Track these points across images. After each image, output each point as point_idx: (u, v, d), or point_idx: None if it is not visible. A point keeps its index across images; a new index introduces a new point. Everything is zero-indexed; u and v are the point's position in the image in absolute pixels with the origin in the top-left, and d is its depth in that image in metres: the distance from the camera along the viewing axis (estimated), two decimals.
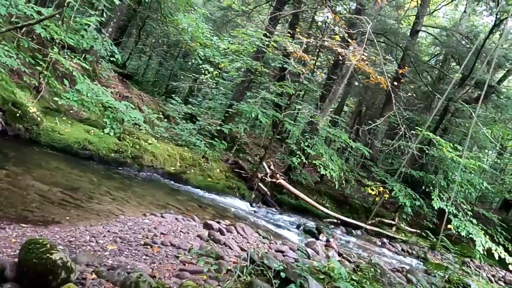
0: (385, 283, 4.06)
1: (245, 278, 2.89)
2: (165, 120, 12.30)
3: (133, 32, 21.39)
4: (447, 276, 4.72)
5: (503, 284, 10.93)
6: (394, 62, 19.68)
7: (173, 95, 15.18)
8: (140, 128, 9.90)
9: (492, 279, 11.34)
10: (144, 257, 3.92)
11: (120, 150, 8.59)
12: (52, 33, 7.57)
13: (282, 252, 5.91)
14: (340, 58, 11.49)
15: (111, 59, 10.78)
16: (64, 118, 8.39)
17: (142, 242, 4.35)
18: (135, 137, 9.24)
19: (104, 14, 11.95)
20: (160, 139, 10.51)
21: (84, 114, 9.35)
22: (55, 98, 8.06)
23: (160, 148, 9.63)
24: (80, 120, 8.91)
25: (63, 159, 7.30)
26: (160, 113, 13.03)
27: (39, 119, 7.47)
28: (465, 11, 18.69)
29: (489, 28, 15.87)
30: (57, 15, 7.78)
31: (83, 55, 9.47)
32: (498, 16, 14.14)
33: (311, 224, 10.38)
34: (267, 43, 11.29)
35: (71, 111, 9.18)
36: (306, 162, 12.23)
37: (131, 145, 8.87)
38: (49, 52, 7.85)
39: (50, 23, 7.66)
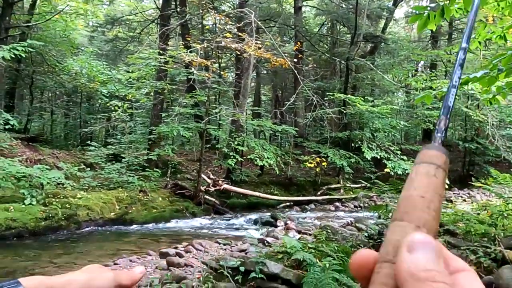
0: (339, 239, 4.33)
1: (206, 286, 2.92)
2: (89, 169, 11.68)
3: (24, 92, 19.91)
4: (391, 212, 5.14)
5: (445, 202, 12.08)
6: (291, 41, 20.62)
7: (90, 142, 14.47)
8: (64, 186, 9.32)
9: None
10: None
11: (50, 215, 8.03)
12: None
13: (244, 250, 5.99)
14: (239, 53, 11.79)
15: (7, 127, 9.99)
16: None
17: None
18: (62, 197, 8.69)
19: None
20: (90, 190, 9.98)
21: None
22: None
23: (93, 198, 9.16)
24: None
25: None
26: (82, 164, 12.33)
27: None
28: None
29: None
30: None
31: None
32: None
33: (266, 215, 10.57)
34: (164, 60, 11.22)
35: None
36: (242, 160, 12.40)
37: (60, 207, 8.33)
38: None
39: None
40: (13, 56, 8.95)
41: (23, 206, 7.88)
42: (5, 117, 9.45)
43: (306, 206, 11.88)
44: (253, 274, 3.08)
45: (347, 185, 14.16)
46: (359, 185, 14.29)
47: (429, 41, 21.95)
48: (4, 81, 12.98)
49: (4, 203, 7.91)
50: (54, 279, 0.49)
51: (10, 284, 0.46)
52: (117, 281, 0.51)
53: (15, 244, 7.00)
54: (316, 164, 12.89)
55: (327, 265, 3.42)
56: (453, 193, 14.18)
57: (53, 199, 8.47)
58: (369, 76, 16.84)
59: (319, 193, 13.08)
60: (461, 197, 13.43)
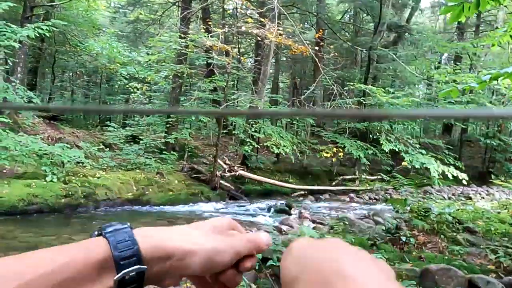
0: (356, 231, 4.30)
1: None
2: (107, 149, 11.88)
3: (46, 71, 20.26)
4: (409, 207, 5.09)
5: (463, 199, 11.90)
6: (312, 29, 20.30)
7: (109, 122, 14.69)
8: (84, 165, 9.51)
9: (453, 197, 12.31)
10: None
11: (70, 193, 8.22)
12: None
13: None
14: (260, 39, 11.68)
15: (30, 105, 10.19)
16: None
17: None
18: (81, 176, 8.88)
19: (8, 62, 11.24)
20: (108, 170, 10.16)
21: (20, 169, 8.79)
22: None
23: (111, 178, 9.33)
24: (17, 176, 8.38)
25: (12, 222, 6.88)
26: (101, 144, 12.54)
27: None
28: None
29: None
30: None
31: None
32: None
33: (281, 203, 10.60)
34: (184, 44, 11.20)
35: (4, 171, 8.59)
36: (258, 146, 12.40)
37: (79, 185, 8.51)
38: None
39: None
40: (37, 35, 9.06)
41: (45, 182, 8.09)
42: (28, 95, 9.63)
43: (321, 196, 11.86)
44: (270, 262, 3.10)
45: (363, 176, 14.05)
46: (375, 177, 14.18)
47: (455, 33, 21.30)
48: (27, 60, 13.18)
49: (27, 179, 8.13)
50: (176, 242, 0.41)
51: (122, 229, 0.41)
52: (241, 255, 0.44)
53: (36, 219, 7.21)
54: (332, 154, 12.80)
55: None
56: (471, 190, 13.93)
57: (73, 177, 8.66)
58: (391, 67, 16.51)
59: (334, 183, 13.03)
60: (480, 194, 13.19)
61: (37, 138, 8.81)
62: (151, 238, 0.41)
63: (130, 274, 0.38)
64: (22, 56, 11.64)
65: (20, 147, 7.74)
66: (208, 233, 0.44)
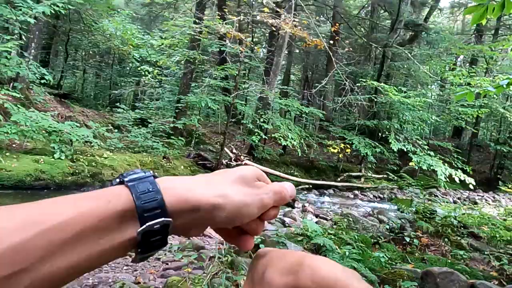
0: (360, 229, 4.29)
1: (226, 259, 2.96)
2: (116, 130, 11.94)
3: (59, 49, 20.32)
4: (414, 208, 5.05)
5: (469, 203, 11.80)
6: (327, 22, 20.07)
7: (118, 104, 14.74)
8: (92, 144, 9.57)
9: (458, 201, 12.22)
10: (125, 268, 3.89)
11: (77, 171, 8.29)
12: None
13: None
14: (274, 29, 11.57)
15: (42, 81, 10.25)
16: (7, 154, 7.94)
17: None
18: (89, 155, 8.95)
19: (23, 37, 11.25)
20: (115, 151, 10.24)
21: (29, 144, 8.88)
22: None
23: (118, 159, 9.39)
24: (26, 151, 8.47)
25: (18, 196, 6.97)
26: (109, 125, 12.60)
27: None
28: None
29: None
30: None
31: (11, 84, 8.92)
32: None
33: None
34: (198, 30, 11.14)
35: (14, 145, 8.69)
36: (266, 137, 12.38)
37: (86, 164, 8.58)
38: None
39: None
40: (53, 12, 9.06)
41: (52, 159, 8.16)
42: (41, 71, 9.67)
43: (325, 191, 11.84)
44: None
45: (369, 174, 13.99)
46: (380, 176, 14.11)
47: (473, 35, 20.93)
48: (41, 36, 13.21)
49: (35, 154, 8.21)
50: (203, 195, 0.39)
51: (145, 177, 0.39)
52: (267, 207, 0.44)
53: (42, 195, 7.29)
54: (339, 150, 12.74)
55: (347, 253, 3.40)
56: (478, 195, 13.81)
57: (81, 156, 8.73)
58: (405, 66, 16.29)
59: (339, 179, 12.99)
60: (486, 200, 13.07)
61: (48, 115, 8.85)
62: (176, 190, 0.39)
63: (154, 227, 0.37)
64: (37, 32, 11.68)
65: (30, 123, 7.80)
66: (235, 183, 0.42)
